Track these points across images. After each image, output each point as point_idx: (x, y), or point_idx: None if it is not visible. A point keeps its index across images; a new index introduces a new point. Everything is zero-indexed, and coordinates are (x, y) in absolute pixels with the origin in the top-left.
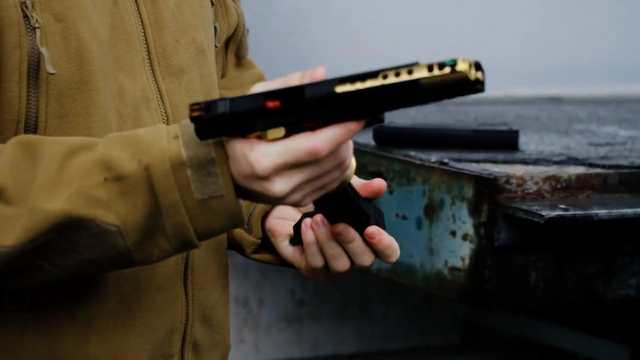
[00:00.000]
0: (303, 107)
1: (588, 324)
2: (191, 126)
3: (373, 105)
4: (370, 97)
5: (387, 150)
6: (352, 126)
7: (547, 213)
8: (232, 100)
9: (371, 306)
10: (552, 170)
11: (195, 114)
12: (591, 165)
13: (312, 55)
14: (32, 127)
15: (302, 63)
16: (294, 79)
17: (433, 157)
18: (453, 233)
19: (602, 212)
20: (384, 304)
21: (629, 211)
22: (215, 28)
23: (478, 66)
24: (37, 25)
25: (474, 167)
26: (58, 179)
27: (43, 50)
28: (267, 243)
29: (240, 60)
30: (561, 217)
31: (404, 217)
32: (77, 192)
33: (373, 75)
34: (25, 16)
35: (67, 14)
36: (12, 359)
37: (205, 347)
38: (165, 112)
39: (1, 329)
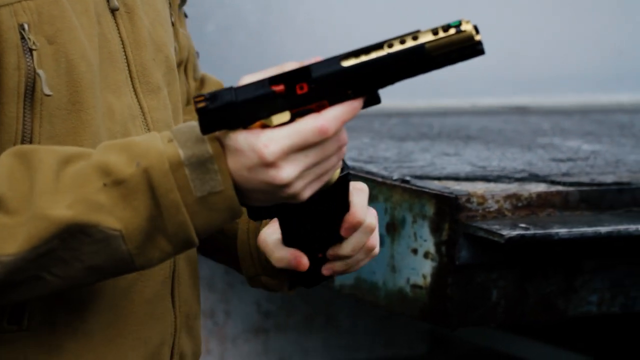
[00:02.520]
0: (310, 87)
1: (553, 336)
2: (185, 129)
3: (380, 77)
4: (376, 69)
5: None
6: (355, 104)
7: (507, 232)
8: (238, 88)
9: (338, 317)
10: (513, 188)
11: (201, 105)
12: (552, 182)
13: None
14: None
15: None
16: (290, 67)
17: (395, 174)
18: (415, 251)
19: (562, 231)
20: (350, 315)
21: (588, 230)
22: (175, 48)
23: (477, 29)
24: (34, 47)
25: (435, 185)
26: (56, 186)
27: (40, 72)
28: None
29: (196, 82)
30: (521, 236)
31: None
32: (79, 198)
33: (378, 46)
34: (23, 38)
35: (57, 36)
36: None
37: (189, 357)
38: (148, 129)
39: (1, 350)
